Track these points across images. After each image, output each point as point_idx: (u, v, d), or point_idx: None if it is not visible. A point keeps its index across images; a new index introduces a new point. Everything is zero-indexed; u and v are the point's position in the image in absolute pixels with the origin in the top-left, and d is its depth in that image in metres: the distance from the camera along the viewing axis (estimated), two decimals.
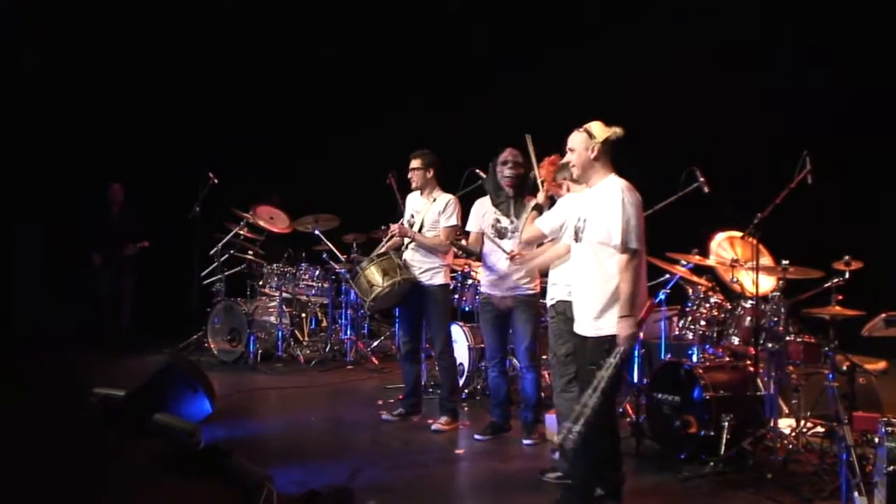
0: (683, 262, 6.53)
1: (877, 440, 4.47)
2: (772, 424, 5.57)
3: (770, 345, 5.56)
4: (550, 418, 6.06)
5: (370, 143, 10.53)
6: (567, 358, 5.20)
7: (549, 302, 5.50)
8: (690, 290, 6.34)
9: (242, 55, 10.86)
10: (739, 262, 6.31)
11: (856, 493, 4.40)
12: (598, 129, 4.72)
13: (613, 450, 4.79)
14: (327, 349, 9.65)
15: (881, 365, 6.01)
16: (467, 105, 10.61)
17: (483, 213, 6.50)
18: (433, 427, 6.70)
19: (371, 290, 6.67)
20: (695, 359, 6.30)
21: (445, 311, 6.91)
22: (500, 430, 6.53)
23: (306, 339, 10.00)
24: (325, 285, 9.78)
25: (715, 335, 5.97)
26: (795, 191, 5.65)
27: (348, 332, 9.72)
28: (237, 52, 10.82)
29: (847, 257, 5.56)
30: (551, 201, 5.61)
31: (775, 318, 5.54)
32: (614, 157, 4.76)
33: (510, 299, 6.26)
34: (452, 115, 10.49)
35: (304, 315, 10.05)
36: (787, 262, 5.63)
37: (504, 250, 6.12)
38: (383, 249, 6.91)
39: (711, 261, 6.53)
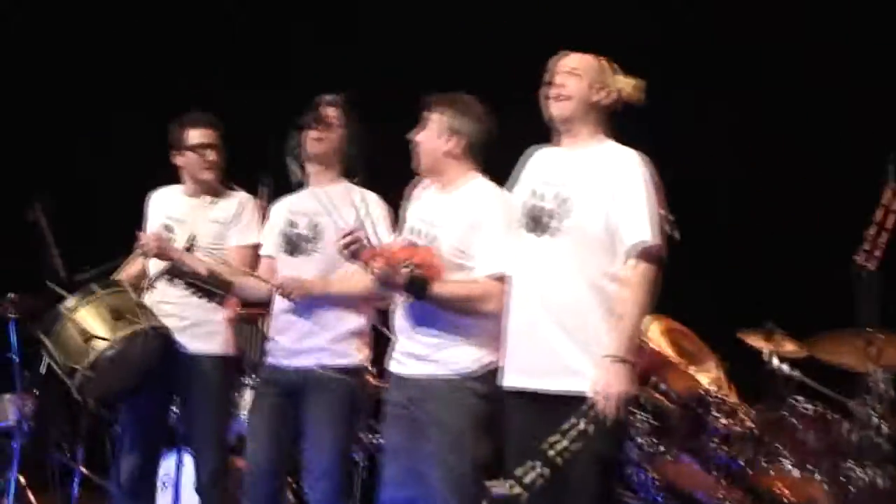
0: None
1: None
2: None
3: None
4: None
5: None
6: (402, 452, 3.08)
7: (402, 371, 3.13)
8: None
9: None
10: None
11: None
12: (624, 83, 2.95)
13: None
14: None
15: None
16: None
17: (275, 215, 3.70)
18: None
19: (89, 348, 3.48)
20: None
21: (223, 400, 3.89)
22: None
23: None
24: None
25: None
26: None
27: None
28: None
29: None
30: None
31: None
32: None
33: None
34: None
35: None
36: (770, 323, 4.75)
37: (266, 281, 3.52)
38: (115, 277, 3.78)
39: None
